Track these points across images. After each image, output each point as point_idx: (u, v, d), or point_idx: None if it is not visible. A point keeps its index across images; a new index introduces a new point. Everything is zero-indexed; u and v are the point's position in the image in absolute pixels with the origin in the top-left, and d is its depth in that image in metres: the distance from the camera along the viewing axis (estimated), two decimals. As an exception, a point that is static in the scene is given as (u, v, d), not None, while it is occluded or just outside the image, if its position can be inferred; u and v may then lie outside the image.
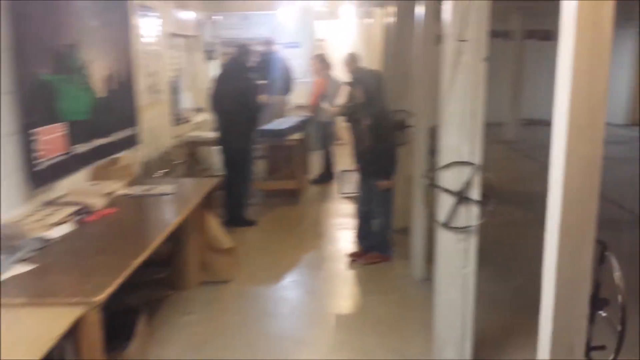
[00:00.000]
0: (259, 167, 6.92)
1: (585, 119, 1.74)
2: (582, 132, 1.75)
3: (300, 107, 8.93)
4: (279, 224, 6.17)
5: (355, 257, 5.06)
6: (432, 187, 3.21)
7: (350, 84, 5.47)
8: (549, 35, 12.81)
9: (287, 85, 8.83)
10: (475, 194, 3.07)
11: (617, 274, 1.82)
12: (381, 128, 4.79)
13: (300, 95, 9.21)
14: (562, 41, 1.74)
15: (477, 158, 3.06)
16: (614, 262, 1.83)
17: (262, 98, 6.08)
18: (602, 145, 1.76)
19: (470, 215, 3.09)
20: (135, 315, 3.55)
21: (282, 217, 6.40)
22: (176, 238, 4.18)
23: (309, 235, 5.81)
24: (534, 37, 12.81)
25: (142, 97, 5.65)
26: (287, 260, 5.08)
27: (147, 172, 5.57)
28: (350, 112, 5.23)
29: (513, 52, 11.47)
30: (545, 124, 11.84)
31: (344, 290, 4.63)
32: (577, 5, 1.65)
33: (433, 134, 4.13)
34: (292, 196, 6.89)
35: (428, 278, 4.23)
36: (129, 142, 5.18)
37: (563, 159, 1.77)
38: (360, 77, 5.08)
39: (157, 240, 3.23)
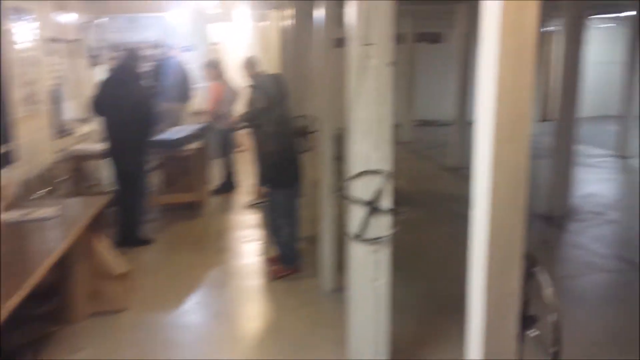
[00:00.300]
0: (155, 179, 6.48)
1: (510, 127, 1.63)
2: (508, 141, 1.64)
3: (198, 114, 8.54)
4: (178, 241, 5.78)
5: (273, 262, 4.85)
6: (342, 197, 3.06)
7: (250, 88, 5.25)
8: (438, 37, 13.28)
9: (184, 92, 8.42)
10: (387, 203, 2.95)
11: (548, 291, 1.72)
12: (283, 134, 4.61)
13: (197, 101, 8.83)
14: (485, 44, 1.62)
15: (387, 165, 2.95)
16: (545, 278, 1.73)
17: (158, 105, 5.68)
18: (529, 154, 1.66)
19: (383, 225, 2.97)
20: (15, 357, 3.11)
21: (182, 233, 6.01)
22: (62, 266, 3.73)
23: (213, 251, 5.49)
24: (424, 40, 13.20)
25: (18, 110, 5.06)
26: (190, 281, 4.74)
27: (26, 194, 4.98)
28: (252, 118, 5.02)
29: (405, 55, 11.72)
30: (437, 125, 12.27)
31: (251, 310, 4.37)
32: (501, 6, 1.53)
33: (338, 140, 4.01)
34: (192, 209, 6.51)
35: (338, 289, 4.09)
36: (3, 161, 4.61)
37: (489, 169, 1.65)
38: (260, 82, 4.88)
39: (37, 274, 2.83)
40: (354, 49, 2.87)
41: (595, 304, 4.41)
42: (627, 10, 10.44)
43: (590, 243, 5.66)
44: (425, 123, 13.12)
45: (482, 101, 1.69)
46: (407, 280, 4.55)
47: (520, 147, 1.66)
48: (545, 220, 6.20)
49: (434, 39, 13.58)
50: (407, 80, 11.76)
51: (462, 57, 9.02)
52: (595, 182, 8.07)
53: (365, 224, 2.92)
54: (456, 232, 3.68)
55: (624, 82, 9.99)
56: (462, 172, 8.24)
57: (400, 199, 3.01)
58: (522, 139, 1.65)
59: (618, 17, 12.53)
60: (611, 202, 7.27)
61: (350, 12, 2.86)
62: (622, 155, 9.70)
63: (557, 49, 6.84)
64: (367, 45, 2.84)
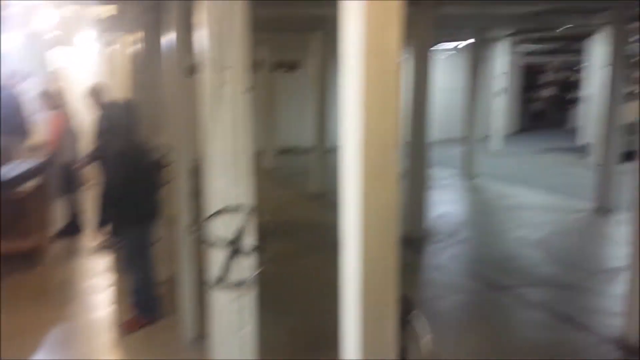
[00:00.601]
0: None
1: (379, 157, 1.47)
2: (377, 176, 1.48)
3: (35, 149, 7.69)
4: (13, 296, 4.98)
5: (127, 312, 4.36)
6: (199, 239, 2.76)
7: (97, 118, 4.80)
8: (296, 65, 13.46)
9: (19, 125, 7.56)
10: (250, 241, 2.71)
11: (424, 339, 1.58)
12: (135, 167, 4.21)
13: (35, 134, 7.97)
14: (346, 71, 1.47)
15: (249, 200, 2.71)
16: (421, 324, 1.59)
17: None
18: (398, 189, 1.51)
19: (247, 266, 2.71)
20: None
21: (16, 287, 5.19)
22: None
23: (56, 305, 4.81)
24: (282, 68, 13.31)
25: None
26: (28, 343, 4.09)
27: None
28: (99, 151, 4.55)
29: (264, 83, 11.70)
30: (299, 151, 12.32)
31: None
32: (362, 31, 1.39)
33: (196, 173, 3.70)
34: (29, 258, 5.71)
35: (201, 337, 3.73)
36: None
37: (359, 209, 1.47)
38: (108, 110, 4.46)
39: None
40: (207, 76, 2.63)
41: (457, 326, 4.50)
42: (466, 40, 11.34)
43: (447, 264, 5.85)
44: (288, 150, 13.16)
45: (348, 130, 1.53)
46: (276, 317, 4.31)
47: (389, 182, 1.51)
48: (403, 243, 6.30)
49: (291, 66, 13.75)
50: (267, 107, 11.73)
51: (320, 84, 9.14)
52: (447, 202, 8.49)
53: (227, 267, 2.64)
54: (324, 262, 3.54)
55: (466, 106, 10.76)
56: (325, 199, 8.25)
57: (265, 233, 2.79)
58: (390, 174, 1.50)
59: (458, 46, 13.61)
60: (463, 221, 7.67)
61: (202, 37, 2.62)
62: (468, 175, 10.38)
63: (403, 78, 7.12)
64: (221, 71, 2.61)
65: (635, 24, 7.87)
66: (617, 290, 4.85)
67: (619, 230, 6.75)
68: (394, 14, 1.51)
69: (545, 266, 5.78)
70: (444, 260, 5.94)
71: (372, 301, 1.61)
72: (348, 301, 1.68)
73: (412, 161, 6.61)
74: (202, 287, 3.01)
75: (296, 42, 10.66)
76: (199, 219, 2.89)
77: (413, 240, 6.36)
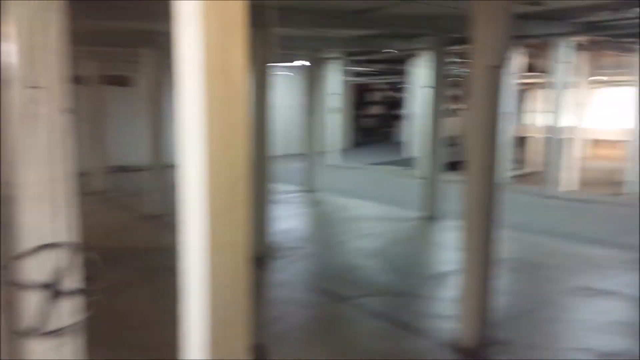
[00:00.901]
0: None
1: (224, 181, 1.34)
2: (223, 200, 1.34)
3: None
4: None
5: None
6: (9, 281, 2.38)
7: None
8: (127, 81, 12.77)
9: None
10: (73, 281, 2.39)
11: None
12: None
13: None
14: (185, 90, 1.32)
15: (71, 235, 2.40)
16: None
17: None
18: (248, 213, 1.39)
19: (69, 310, 2.39)
20: None
21: None
22: None
23: None
24: (112, 84, 12.53)
25: None
26: None
27: None
28: None
29: (92, 99, 10.87)
30: (133, 170, 11.58)
31: None
32: (202, 51, 1.26)
33: (2, 204, 3.24)
34: None
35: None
36: None
37: (203, 237, 1.33)
38: None
39: None
40: (16, 94, 2.29)
41: (302, 342, 4.46)
42: (300, 60, 11.64)
43: (291, 279, 5.84)
44: (121, 169, 12.40)
45: (189, 149, 1.38)
46: (111, 354, 3.93)
47: (238, 218, 1.38)
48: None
49: (122, 82, 13.05)
50: (97, 125, 10.91)
51: (154, 101, 8.72)
52: (288, 217, 8.55)
53: (43, 313, 2.30)
54: (162, 289, 3.29)
55: (304, 123, 11.01)
56: (162, 220, 7.85)
57: (95, 265, 2.49)
58: (239, 193, 1.38)
59: (294, 66, 13.93)
60: (305, 235, 7.77)
61: (9, 50, 2.28)
62: (309, 189, 10.61)
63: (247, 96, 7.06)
64: (33, 88, 2.28)
65: (452, 48, 8.67)
66: (448, 294, 5.20)
67: (445, 237, 7.30)
68: (236, 33, 1.41)
69: (383, 275, 6.03)
70: (288, 276, 5.92)
71: (220, 351, 1.46)
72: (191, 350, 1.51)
73: (254, 177, 6.54)
74: (13, 337, 2.60)
75: (128, 56, 10.10)
76: (7, 258, 2.49)
77: (256, 258, 6.25)
